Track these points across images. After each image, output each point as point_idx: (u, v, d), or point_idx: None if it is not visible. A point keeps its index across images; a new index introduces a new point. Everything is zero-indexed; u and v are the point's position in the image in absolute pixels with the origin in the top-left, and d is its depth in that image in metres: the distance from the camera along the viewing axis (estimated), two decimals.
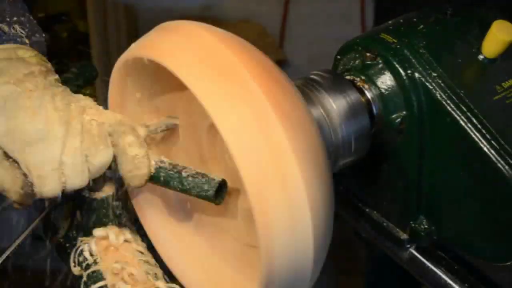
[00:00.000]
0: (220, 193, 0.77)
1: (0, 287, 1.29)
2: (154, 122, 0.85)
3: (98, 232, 0.91)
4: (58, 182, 0.74)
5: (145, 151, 0.78)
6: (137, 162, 0.77)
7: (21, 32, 0.85)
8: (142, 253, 0.92)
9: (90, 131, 0.75)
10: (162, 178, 0.79)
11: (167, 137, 0.90)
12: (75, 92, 0.86)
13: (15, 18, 0.86)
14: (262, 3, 3.04)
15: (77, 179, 0.75)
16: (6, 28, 0.84)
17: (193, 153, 0.89)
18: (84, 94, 0.83)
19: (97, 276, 0.88)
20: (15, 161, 0.73)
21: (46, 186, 0.73)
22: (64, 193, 0.77)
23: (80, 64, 0.96)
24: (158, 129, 0.84)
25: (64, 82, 0.90)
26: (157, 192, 0.90)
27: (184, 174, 0.78)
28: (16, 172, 0.73)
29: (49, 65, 0.83)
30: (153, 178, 0.79)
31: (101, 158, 0.76)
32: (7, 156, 0.74)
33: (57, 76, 0.82)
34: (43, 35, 0.88)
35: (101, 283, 0.87)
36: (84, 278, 0.89)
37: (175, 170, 0.79)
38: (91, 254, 0.90)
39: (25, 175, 0.73)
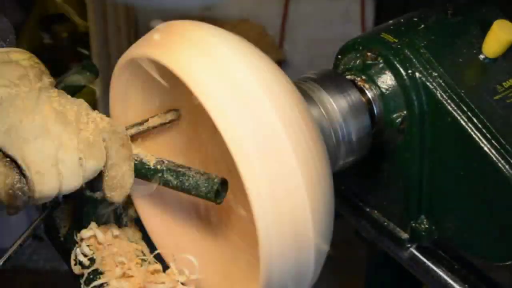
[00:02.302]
0: (221, 192, 0.77)
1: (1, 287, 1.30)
2: (146, 120, 0.84)
3: (85, 233, 0.91)
4: (56, 180, 0.73)
5: (132, 167, 0.78)
6: (122, 178, 0.77)
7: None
8: (143, 254, 0.92)
9: (86, 134, 0.75)
10: (162, 178, 0.79)
11: (167, 136, 0.90)
12: (77, 91, 0.86)
13: None
14: (262, 3, 3.03)
15: (72, 179, 0.74)
16: None
17: (194, 152, 0.89)
18: (85, 93, 0.83)
19: (95, 275, 0.88)
20: (13, 162, 0.73)
21: (45, 183, 0.73)
22: (64, 194, 0.76)
23: (81, 64, 0.96)
24: (151, 127, 0.84)
25: (65, 81, 0.90)
26: (158, 191, 0.90)
27: (184, 173, 0.78)
28: (10, 171, 0.72)
29: (43, 67, 0.82)
30: (153, 178, 0.79)
31: (94, 163, 0.75)
32: (4, 156, 0.73)
33: (51, 79, 0.81)
34: (14, 37, 0.88)
35: (99, 281, 0.87)
36: (84, 277, 0.89)
37: (175, 169, 0.78)
38: (85, 255, 0.90)
39: (20, 174, 0.72)
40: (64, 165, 0.73)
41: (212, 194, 0.76)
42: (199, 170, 0.79)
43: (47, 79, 0.80)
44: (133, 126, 0.83)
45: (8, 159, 0.73)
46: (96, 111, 0.78)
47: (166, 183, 0.79)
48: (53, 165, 0.73)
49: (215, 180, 0.76)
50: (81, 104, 0.77)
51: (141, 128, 0.84)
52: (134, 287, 0.86)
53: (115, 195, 0.77)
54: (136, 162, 0.79)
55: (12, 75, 0.78)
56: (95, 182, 0.79)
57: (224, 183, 0.77)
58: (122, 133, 0.78)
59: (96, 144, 0.75)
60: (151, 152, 0.81)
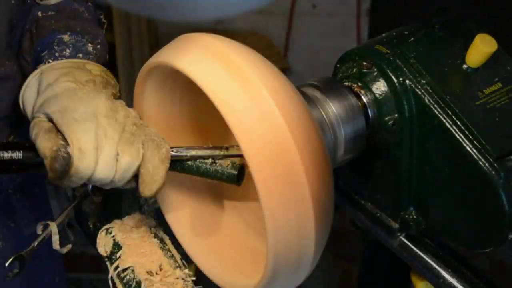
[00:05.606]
0: (241, 175, 0.78)
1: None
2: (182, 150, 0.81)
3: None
4: (93, 162, 0.73)
5: (166, 169, 0.77)
6: (155, 176, 0.76)
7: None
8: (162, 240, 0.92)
9: (128, 133, 0.76)
10: (185, 167, 0.79)
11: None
12: None
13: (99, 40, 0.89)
14: (269, 18, 3.03)
15: (106, 169, 0.74)
16: (90, 48, 0.86)
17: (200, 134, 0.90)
18: None
19: (117, 256, 0.88)
20: (63, 137, 0.73)
21: (83, 161, 0.73)
22: (93, 182, 0.76)
23: None
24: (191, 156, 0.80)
25: None
26: (177, 181, 0.90)
27: (206, 161, 0.78)
28: (58, 141, 0.72)
29: (112, 80, 0.83)
30: (176, 167, 0.79)
31: (128, 160, 0.74)
32: (57, 131, 0.74)
33: (116, 91, 0.82)
34: (102, 47, 0.91)
35: (120, 260, 0.87)
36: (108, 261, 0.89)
37: (203, 161, 0.79)
38: (114, 240, 0.91)
39: (65, 147, 0.72)
40: (102, 152, 0.74)
41: (234, 178, 0.77)
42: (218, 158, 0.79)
43: (111, 90, 0.80)
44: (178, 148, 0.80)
45: (59, 135, 0.74)
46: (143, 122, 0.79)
47: (189, 172, 0.79)
48: (94, 148, 0.73)
49: (236, 164, 0.77)
50: (131, 111, 0.78)
51: (183, 153, 0.80)
52: (149, 266, 0.87)
53: (146, 190, 0.76)
54: (171, 160, 0.78)
55: (81, 77, 0.79)
56: None
57: (242, 168, 0.77)
58: (159, 140, 0.77)
59: (134, 144, 0.75)
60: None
